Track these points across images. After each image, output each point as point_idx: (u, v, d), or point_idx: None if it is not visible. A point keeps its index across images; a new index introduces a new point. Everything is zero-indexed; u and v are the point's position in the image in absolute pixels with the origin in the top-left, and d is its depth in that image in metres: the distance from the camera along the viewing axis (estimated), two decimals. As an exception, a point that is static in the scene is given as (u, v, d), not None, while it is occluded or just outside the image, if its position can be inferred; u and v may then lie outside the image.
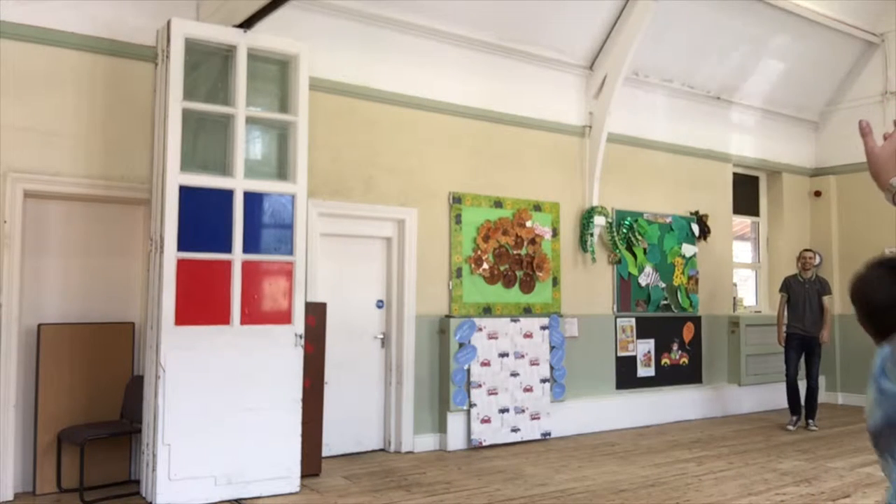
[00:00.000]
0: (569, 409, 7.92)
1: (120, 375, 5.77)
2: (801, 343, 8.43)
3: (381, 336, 7.14)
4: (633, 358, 8.63)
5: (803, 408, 8.49)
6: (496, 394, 7.32)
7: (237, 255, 5.45)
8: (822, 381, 10.30)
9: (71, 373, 5.57)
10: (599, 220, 8.25)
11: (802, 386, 8.51)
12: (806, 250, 8.60)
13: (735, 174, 9.98)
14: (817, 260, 10.25)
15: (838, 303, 10.22)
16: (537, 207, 7.94)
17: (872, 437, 1.76)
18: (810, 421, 8.43)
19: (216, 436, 5.27)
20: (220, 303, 5.39)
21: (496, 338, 7.37)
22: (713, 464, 6.68)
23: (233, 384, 5.35)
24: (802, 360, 8.52)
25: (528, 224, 7.83)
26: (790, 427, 8.35)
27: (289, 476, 5.54)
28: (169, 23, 5.30)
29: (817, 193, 10.57)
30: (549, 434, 7.65)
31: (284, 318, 5.63)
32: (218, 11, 5.72)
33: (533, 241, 7.86)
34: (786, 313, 8.56)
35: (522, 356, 7.52)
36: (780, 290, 8.70)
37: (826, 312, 8.49)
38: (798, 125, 10.56)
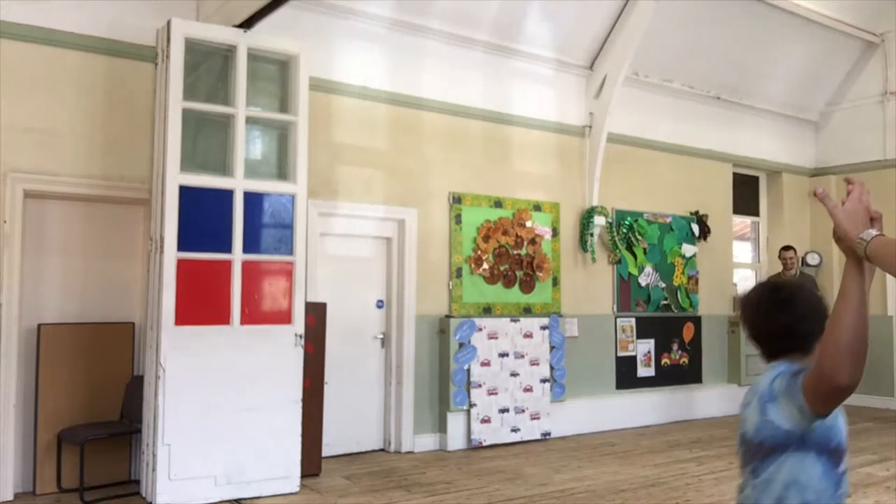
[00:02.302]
0: (569, 409, 7.92)
1: (120, 375, 5.77)
2: None
3: (381, 336, 7.14)
4: (633, 358, 8.63)
5: None
6: (496, 394, 7.32)
7: (237, 255, 5.45)
8: (822, 381, 10.31)
9: (71, 373, 5.57)
10: (599, 220, 8.24)
11: None
12: (785, 249, 8.04)
13: (735, 174, 9.98)
14: (814, 259, 10.24)
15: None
16: (537, 207, 7.94)
17: (743, 445, 1.86)
18: None
19: (216, 436, 5.27)
20: (220, 303, 5.39)
21: (496, 338, 7.37)
22: (713, 464, 6.68)
23: (233, 384, 5.35)
24: None
25: (528, 224, 7.83)
26: None
27: (289, 476, 5.54)
28: (169, 23, 5.31)
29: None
30: (549, 434, 7.65)
31: (284, 318, 5.63)
32: (218, 11, 5.72)
33: (533, 241, 7.86)
34: None
35: (522, 356, 7.52)
36: None
37: None
38: (798, 125, 10.56)
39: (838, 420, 1.83)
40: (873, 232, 1.59)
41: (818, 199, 1.68)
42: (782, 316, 1.89)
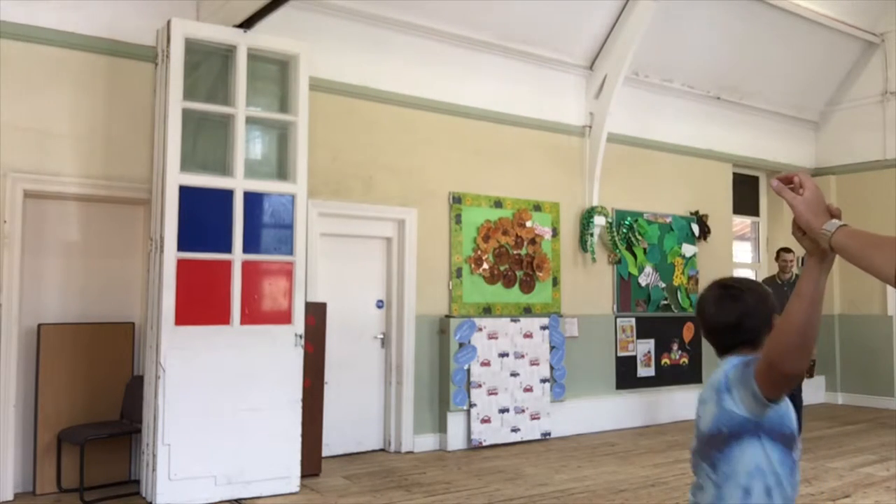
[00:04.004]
0: (569, 409, 7.92)
1: (120, 375, 5.77)
2: None
3: (381, 336, 7.14)
4: (633, 358, 8.64)
5: None
6: (496, 394, 7.32)
7: (237, 255, 5.45)
8: (821, 381, 10.32)
9: (71, 373, 5.57)
10: (599, 220, 8.25)
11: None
12: (785, 251, 7.70)
13: (735, 174, 9.98)
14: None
15: (837, 303, 10.24)
16: (537, 207, 7.94)
17: (699, 442, 1.94)
18: None
19: (216, 436, 5.27)
20: (220, 303, 5.39)
21: (496, 338, 7.37)
22: (713, 464, 6.67)
23: (233, 384, 5.35)
24: None
25: (528, 224, 7.83)
26: None
27: (289, 476, 5.54)
28: (169, 23, 5.31)
29: (817, 194, 10.55)
30: (549, 434, 7.65)
31: (284, 318, 5.63)
32: (218, 11, 5.72)
33: (533, 241, 7.86)
34: None
35: (522, 356, 7.52)
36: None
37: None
38: (798, 125, 10.56)
39: (789, 409, 1.92)
40: (837, 222, 1.58)
41: (775, 192, 1.68)
42: (731, 311, 1.99)
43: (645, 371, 8.70)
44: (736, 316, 1.98)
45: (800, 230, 1.65)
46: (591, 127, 8.33)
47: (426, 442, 7.09)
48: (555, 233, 8.06)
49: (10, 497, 5.24)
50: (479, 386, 7.22)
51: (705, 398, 1.95)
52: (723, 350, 2.02)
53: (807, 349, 1.67)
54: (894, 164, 9.81)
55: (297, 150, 5.74)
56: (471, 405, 7.16)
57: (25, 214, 5.47)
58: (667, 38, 8.39)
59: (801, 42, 9.38)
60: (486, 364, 7.28)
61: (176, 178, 5.25)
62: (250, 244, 5.52)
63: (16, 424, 5.32)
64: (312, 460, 5.95)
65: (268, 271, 5.62)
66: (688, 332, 9.10)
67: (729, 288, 2.05)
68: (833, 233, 1.57)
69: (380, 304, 7.16)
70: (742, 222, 10.58)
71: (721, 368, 1.93)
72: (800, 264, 9.86)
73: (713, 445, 1.90)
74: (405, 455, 6.89)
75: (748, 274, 10.60)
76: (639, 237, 8.66)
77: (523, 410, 7.48)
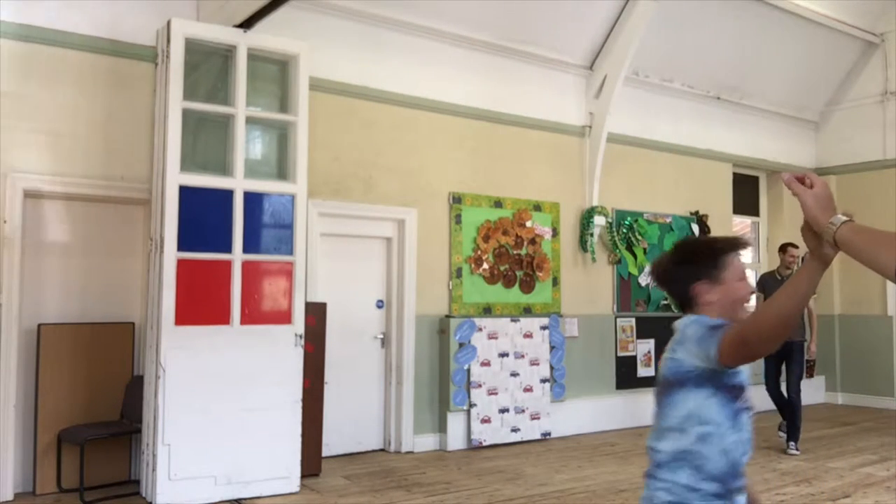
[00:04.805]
0: (569, 409, 7.92)
1: (120, 375, 5.77)
2: (780, 350, 7.70)
3: (381, 336, 7.14)
4: (633, 358, 8.64)
5: (785, 425, 7.31)
6: (496, 394, 7.32)
7: (237, 255, 5.45)
8: (821, 381, 10.32)
9: (71, 373, 5.57)
10: (599, 220, 8.25)
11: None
12: (793, 246, 7.43)
13: (735, 174, 9.98)
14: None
15: (837, 303, 10.24)
16: (537, 207, 7.94)
17: (657, 387, 2.08)
18: (791, 444, 7.09)
19: (216, 436, 5.27)
20: (220, 303, 5.39)
21: (496, 338, 7.37)
22: (713, 464, 6.66)
23: (233, 384, 5.34)
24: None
25: (528, 224, 7.83)
26: (791, 446, 7.14)
27: (289, 476, 5.54)
28: (169, 23, 5.31)
29: (817, 194, 10.54)
30: (549, 434, 7.65)
31: (284, 318, 5.63)
32: (218, 11, 5.72)
33: (533, 241, 7.86)
34: None
35: (522, 356, 7.52)
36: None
37: (811, 316, 7.58)
38: (798, 125, 10.56)
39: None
40: (843, 217, 1.58)
41: (785, 185, 1.70)
42: (663, 281, 2.18)
43: (645, 371, 8.69)
44: (666, 284, 2.15)
45: (810, 230, 1.65)
46: (591, 127, 8.33)
47: (426, 442, 7.09)
48: (555, 233, 8.06)
49: (10, 497, 5.24)
50: (479, 386, 7.22)
51: (667, 349, 2.07)
52: (680, 307, 2.14)
53: (784, 337, 1.76)
54: (894, 164, 9.80)
55: (297, 150, 5.74)
56: (471, 405, 7.16)
57: (25, 214, 5.47)
58: (667, 38, 8.39)
59: (801, 42, 9.39)
60: (486, 364, 7.28)
61: (176, 178, 5.25)
62: (250, 244, 5.52)
63: (16, 424, 5.32)
64: (312, 460, 5.94)
65: (268, 271, 5.62)
66: (688, 332, 9.08)
67: (672, 250, 2.19)
68: (838, 227, 1.57)
69: (380, 304, 7.16)
70: (742, 222, 10.57)
71: (682, 322, 2.02)
72: (800, 263, 9.87)
73: (661, 392, 2.05)
74: (405, 455, 6.89)
75: (747, 274, 10.59)
76: (639, 237, 8.66)
77: (523, 410, 7.48)
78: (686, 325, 1.98)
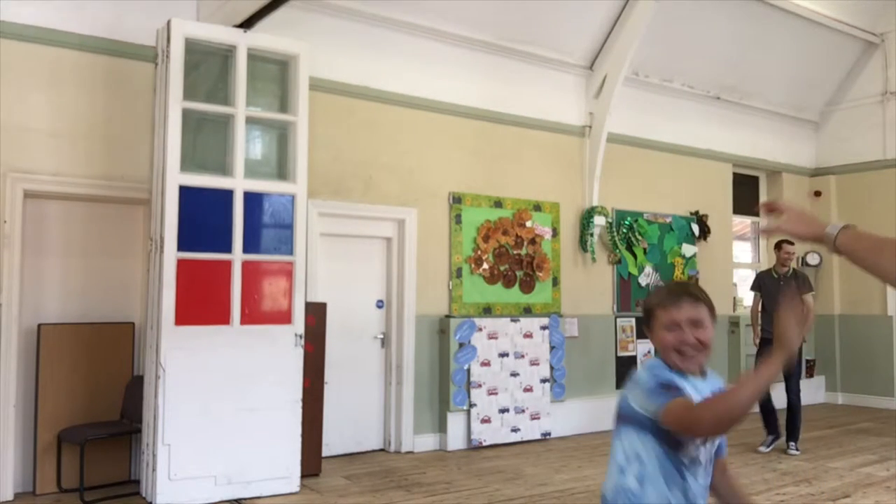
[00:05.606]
0: (569, 409, 7.92)
1: (120, 375, 5.77)
2: None
3: (381, 336, 7.14)
4: (633, 358, 8.64)
5: (783, 426, 7.20)
6: (496, 394, 7.32)
7: (237, 255, 5.45)
8: (821, 381, 10.32)
9: (71, 373, 5.57)
10: (599, 220, 8.25)
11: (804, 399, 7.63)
12: (788, 242, 7.23)
13: (735, 174, 9.98)
14: (815, 259, 10.22)
15: (838, 303, 10.24)
16: (537, 207, 7.94)
17: (616, 416, 2.04)
18: (791, 444, 7.09)
19: (216, 436, 5.27)
20: (220, 303, 5.39)
21: (496, 338, 7.37)
22: (713, 464, 6.66)
23: (233, 384, 5.35)
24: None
25: (528, 224, 7.83)
26: (762, 449, 7.16)
27: (289, 476, 5.54)
28: (169, 23, 5.30)
29: (817, 193, 10.56)
30: (549, 434, 7.66)
31: (284, 317, 5.63)
32: (218, 11, 5.72)
33: (533, 241, 7.86)
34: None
35: (522, 356, 7.52)
36: (752, 289, 7.61)
37: (809, 312, 7.58)
38: (798, 125, 10.56)
39: None
40: (839, 224, 1.59)
41: (764, 236, 1.74)
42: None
43: (645, 371, 8.68)
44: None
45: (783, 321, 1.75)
46: (590, 127, 8.34)
47: (426, 442, 7.09)
48: (555, 233, 8.06)
49: (10, 497, 5.24)
50: (479, 386, 7.22)
51: (627, 384, 2.06)
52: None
53: (731, 427, 1.76)
54: (894, 164, 9.81)
55: (297, 150, 5.74)
56: (471, 405, 7.16)
57: (25, 214, 5.47)
58: (667, 38, 8.39)
59: (801, 42, 9.38)
60: (486, 364, 7.28)
61: (176, 178, 5.25)
62: (250, 244, 5.51)
63: (16, 424, 5.32)
64: (312, 460, 5.95)
65: (268, 271, 5.62)
66: (688, 332, 9.08)
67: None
68: (837, 234, 1.57)
69: (380, 304, 7.16)
70: (742, 222, 10.57)
71: (646, 364, 2.04)
72: (799, 263, 9.88)
73: (615, 422, 2.02)
74: (405, 455, 6.89)
75: (748, 274, 10.60)
76: (639, 237, 8.66)
77: (523, 410, 7.48)
78: (643, 370, 1.99)
